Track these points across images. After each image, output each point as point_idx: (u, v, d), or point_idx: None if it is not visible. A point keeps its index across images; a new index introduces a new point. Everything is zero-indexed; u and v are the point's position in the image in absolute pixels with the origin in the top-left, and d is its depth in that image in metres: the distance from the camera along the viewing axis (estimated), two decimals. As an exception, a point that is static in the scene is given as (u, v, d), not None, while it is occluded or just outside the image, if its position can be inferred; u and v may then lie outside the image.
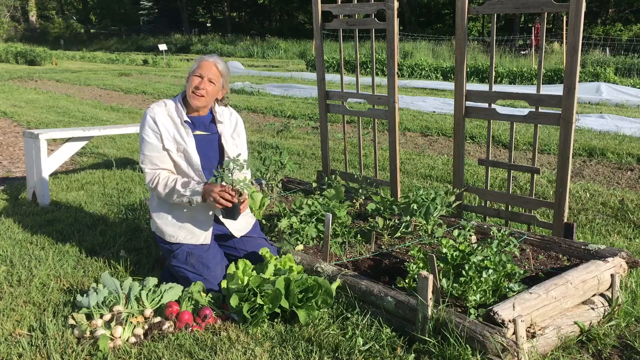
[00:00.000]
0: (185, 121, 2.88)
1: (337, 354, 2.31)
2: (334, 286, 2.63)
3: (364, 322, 2.50)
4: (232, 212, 2.78)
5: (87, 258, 3.39)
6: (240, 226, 3.03)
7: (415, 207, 3.34)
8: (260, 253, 2.87)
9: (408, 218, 3.40)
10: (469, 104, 3.64)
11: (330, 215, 3.07)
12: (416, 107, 10.48)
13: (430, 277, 2.28)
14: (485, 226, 3.44)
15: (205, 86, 2.85)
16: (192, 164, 2.85)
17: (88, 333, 2.45)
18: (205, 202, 2.79)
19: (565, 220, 3.30)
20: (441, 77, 17.19)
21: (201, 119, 2.96)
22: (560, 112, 3.16)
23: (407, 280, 2.67)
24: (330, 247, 3.05)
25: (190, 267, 2.82)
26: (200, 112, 2.95)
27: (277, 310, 2.53)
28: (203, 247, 2.88)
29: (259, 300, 2.52)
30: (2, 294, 2.91)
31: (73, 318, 2.57)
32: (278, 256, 2.91)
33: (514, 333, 2.16)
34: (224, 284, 2.73)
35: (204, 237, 2.91)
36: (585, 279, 2.57)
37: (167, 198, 2.82)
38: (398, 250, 3.20)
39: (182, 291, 2.74)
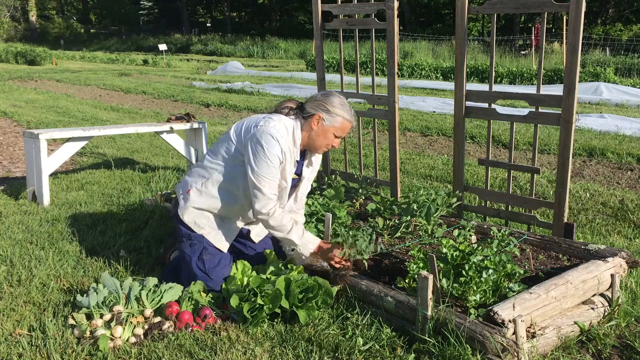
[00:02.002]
0: (296, 160, 2.85)
1: (337, 354, 2.31)
2: (334, 290, 2.63)
3: (364, 322, 2.50)
4: (335, 278, 2.76)
5: (87, 258, 3.39)
6: (259, 230, 3.07)
7: (416, 208, 3.34)
8: (264, 252, 2.88)
9: (408, 218, 3.40)
10: (469, 103, 3.64)
11: (330, 215, 3.07)
12: (416, 107, 10.48)
13: (430, 277, 2.28)
14: (485, 226, 3.44)
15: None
16: (280, 204, 2.84)
17: (88, 333, 2.45)
18: (308, 254, 2.80)
19: (565, 220, 3.30)
20: (441, 77, 17.18)
21: (299, 161, 2.93)
22: (560, 112, 3.16)
23: (407, 280, 2.67)
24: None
25: (201, 262, 2.80)
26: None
27: (277, 310, 2.53)
28: (218, 249, 2.88)
29: (259, 301, 2.52)
30: (2, 294, 2.91)
31: (73, 318, 2.57)
32: (281, 258, 2.93)
33: (514, 333, 2.16)
34: (223, 285, 2.73)
35: (223, 243, 2.89)
36: (585, 279, 2.57)
37: (270, 231, 2.79)
38: (398, 250, 3.20)
39: (182, 291, 2.74)
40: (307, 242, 2.80)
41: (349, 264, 2.80)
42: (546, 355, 2.28)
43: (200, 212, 2.85)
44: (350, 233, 2.85)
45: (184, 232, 2.87)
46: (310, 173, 3.04)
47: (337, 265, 2.77)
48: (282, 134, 2.70)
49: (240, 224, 2.98)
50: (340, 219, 3.43)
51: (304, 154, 2.96)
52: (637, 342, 2.38)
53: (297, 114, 2.85)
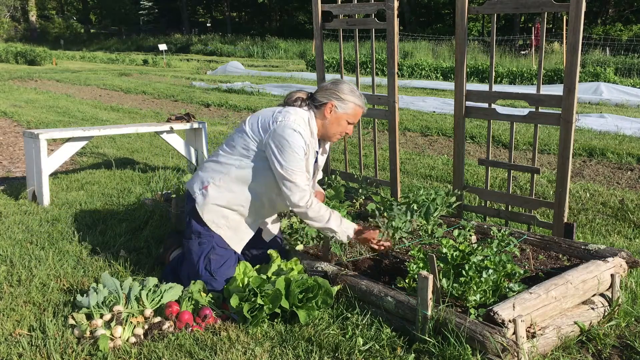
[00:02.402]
0: (316, 151, 2.87)
1: (337, 354, 2.31)
2: (334, 290, 2.64)
3: (364, 322, 2.50)
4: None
5: (87, 258, 3.39)
6: (270, 230, 3.09)
7: (415, 207, 3.34)
8: (268, 252, 2.88)
9: (408, 218, 3.40)
10: (469, 103, 3.64)
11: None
12: (416, 107, 10.48)
13: (431, 277, 2.28)
14: (485, 226, 3.44)
15: None
16: None
17: (88, 333, 2.45)
18: (347, 240, 2.83)
19: (565, 220, 3.30)
20: (441, 77, 17.18)
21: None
22: (560, 112, 3.16)
23: (407, 280, 2.67)
24: (330, 247, 3.05)
25: (207, 262, 2.78)
26: None
27: (277, 310, 2.53)
28: (230, 251, 2.86)
29: (259, 301, 2.52)
30: (2, 294, 2.91)
31: (73, 318, 2.57)
32: (285, 259, 2.93)
33: (514, 333, 2.16)
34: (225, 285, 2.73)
35: (239, 244, 2.89)
36: (585, 279, 2.57)
37: (310, 222, 2.79)
38: (398, 250, 3.20)
39: (182, 291, 2.74)
40: (346, 229, 2.81)
41: (388, 243, 2.85)
42: (546, 355, 2.28)
43: (220, 209, 2.81)
44: (385, 214, 2.86)
45: (195, 229, 2.83)
46: (323, 160, 3.09)
47: (376, 247, 2.82)
48: (302, 127, 2.73)
49: (257, 223, 2.96)
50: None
51: (318, 142, 2.97)
52: (637, 342, 2.38)
53: (309, 104, 2.86)
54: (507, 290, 2.51)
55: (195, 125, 5.50)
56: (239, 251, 2.90)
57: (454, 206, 3.60)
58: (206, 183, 2.83)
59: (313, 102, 2.86)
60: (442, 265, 2.59)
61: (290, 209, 2.81)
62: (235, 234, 2.87)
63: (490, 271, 2.49)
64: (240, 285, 2.69)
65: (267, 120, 2.76)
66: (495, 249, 2.71)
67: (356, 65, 4.17)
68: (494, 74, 4.38)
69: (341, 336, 2.41)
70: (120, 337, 2.42)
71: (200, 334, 2.47)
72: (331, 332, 2.44)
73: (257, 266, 2.87)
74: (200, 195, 2.83)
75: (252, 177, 2.78)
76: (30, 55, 25.22)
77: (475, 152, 6.87)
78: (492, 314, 2.19)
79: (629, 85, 13.10)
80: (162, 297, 2.67)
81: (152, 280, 2.77)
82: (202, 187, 2.83)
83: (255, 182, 2.79)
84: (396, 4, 3.65)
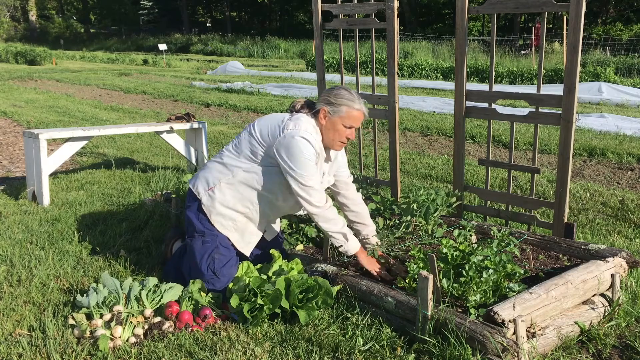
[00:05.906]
0: (325, 160, 2.88)
1: (337, 354, 2.31)
2: (334, 290, 2.63)
3: (364, 322, 2.50)
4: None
5: (87, 258, 3.39)
6: (272, 229, 3.08)
7: (415, 207, 3.34)
8: (270, 252, 2.89)
9: (408, 218, 3.40)
10: (469, 103, 3.63)
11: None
12: (416, 107, 10.48)
13: (431, 277, 2.28)
14: (486, 226, 3.44)
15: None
16: None
17: (88, 333, 2.45)
18: (352, 252, 2.83)
19: (566, 220, 3.30)
20: (441, 77, 17.17)
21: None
22: (560, 112, 3.16)
23: (407, 280, 2.67)
24: (331, 247, 3.05)
25: (210, 261, 2.77)
26: None
27: (277, 310, 2.53)
28: (233, 250, 2.85)
29: (259, 301, 2.52)
30: (2, 294, 2.91)
31: (73, 318, 2.57)
32: (286, 258, 2.93)
33: (514, 333, 2.16)
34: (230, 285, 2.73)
35: (247, 247, 2.90)
36: (585, 279, 2.56)
37: (325, 225, 2.76)
38: (398, 250, 3.20)
39: (182, 291, 2.73)
40: (355, 242, 2.83)
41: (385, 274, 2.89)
42: (546, 355, 2.28)
43: (228, 211, 2.80)
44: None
45: (199, 229, 2.82)
46: (329, 167, 3.01)
47: (377, 276, 2.84)
48: (313, 136, 2.74)
49: (263, 226, 2.96)
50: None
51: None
52: (637, 342, 2.38)
53: (310, 110, 2.86)
54: (507, 290, 2.51)
55: (195, 125, 5.50)
56: (247, 254, 2.90)
57: (454, 206, 3.60)
58: (212, 184, 2.82)
59: (311, 109, 2.85)
60: (442, 265, 2.59)
61: (307, 212, 2.79)
62: (242, 237, 2.87)
63: (491, 271, 2.49)
64: (241, 285, 2.69)
65: (276, 127, 2.75)
66: (495, 249, 2.71)
67: (356, 65, 4.17)
68: (494, 73, 4.37)
69: (341, 336, 2.41)
70: (120, 337, 2.42)
71: (200, 334, 2.47)
72: (331, 332, 2.44)
73: (259, 265, 2.87)
74: (206, 196, 2.81)
75: (259, 180, 2.78)
76: (30, 55, 25.22)
77: (475, 152, 6.86)
78: (492, 314, 2.19)
79: (629, 85, 13.10)
80: (162, 297, 2.67)
81: (152, 280, 2.77)
82: (208, 188, 2.82)
83: (263, 186, 2.79)
84: (396, 4, 3.65)
